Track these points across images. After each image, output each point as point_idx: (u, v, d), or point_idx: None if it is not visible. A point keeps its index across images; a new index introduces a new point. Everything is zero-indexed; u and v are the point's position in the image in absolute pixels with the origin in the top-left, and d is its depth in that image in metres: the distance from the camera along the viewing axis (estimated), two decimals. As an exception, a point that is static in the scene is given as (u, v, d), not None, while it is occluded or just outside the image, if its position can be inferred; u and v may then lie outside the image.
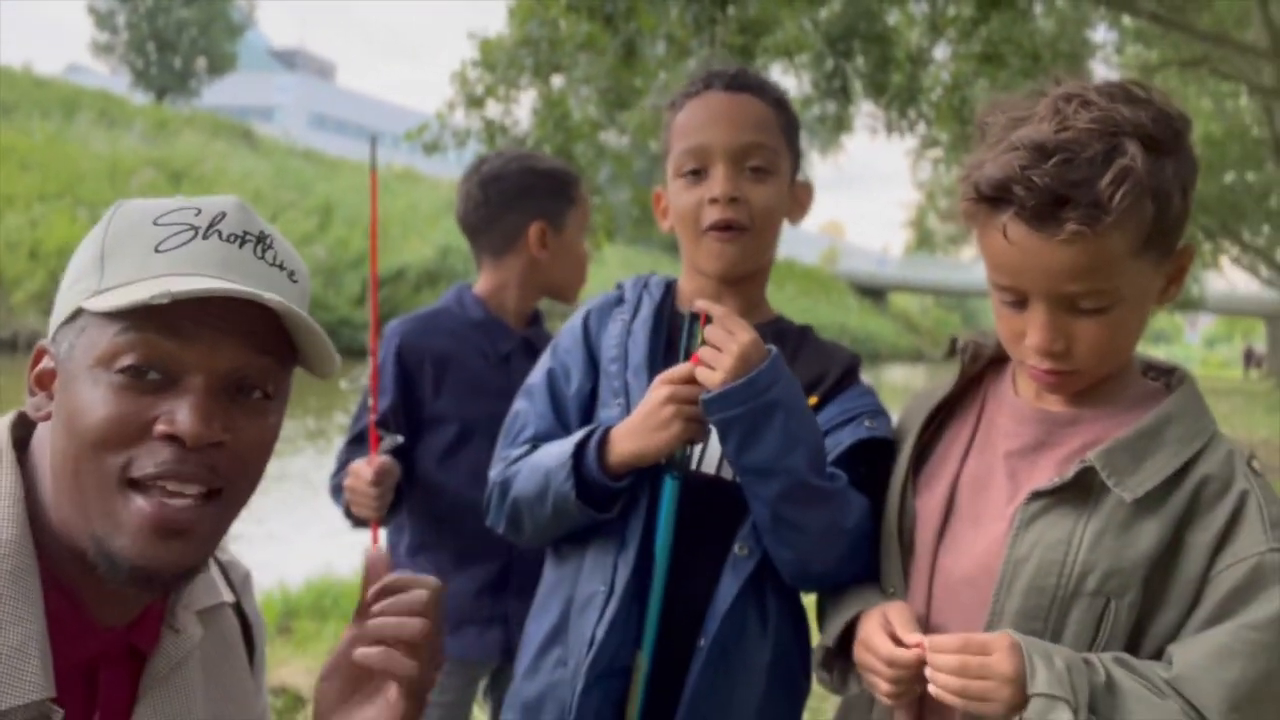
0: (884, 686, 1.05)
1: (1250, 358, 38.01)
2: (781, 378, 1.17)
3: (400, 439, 1.72)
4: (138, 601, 0.82)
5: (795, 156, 1.36)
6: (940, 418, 1.20)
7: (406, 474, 1.78)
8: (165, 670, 0.84)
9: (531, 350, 1.81)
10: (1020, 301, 1.02)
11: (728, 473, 1.25)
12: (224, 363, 0.77)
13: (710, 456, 1.27)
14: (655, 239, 12.83)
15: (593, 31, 8.26)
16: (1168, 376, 1.11)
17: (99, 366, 0.75)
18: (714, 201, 1.27)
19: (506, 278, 1.88)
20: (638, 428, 1.21)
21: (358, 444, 1.80)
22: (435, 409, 1.80)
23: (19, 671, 0.72)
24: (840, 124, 11.40)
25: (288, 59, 54.16)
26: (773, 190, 1.29)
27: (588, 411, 1.34)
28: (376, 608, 0.81)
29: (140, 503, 0.74)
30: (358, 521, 1.74)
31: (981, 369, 1.18)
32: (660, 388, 1.20)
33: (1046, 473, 1.06)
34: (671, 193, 1.34)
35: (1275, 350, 28.94)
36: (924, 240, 23.60)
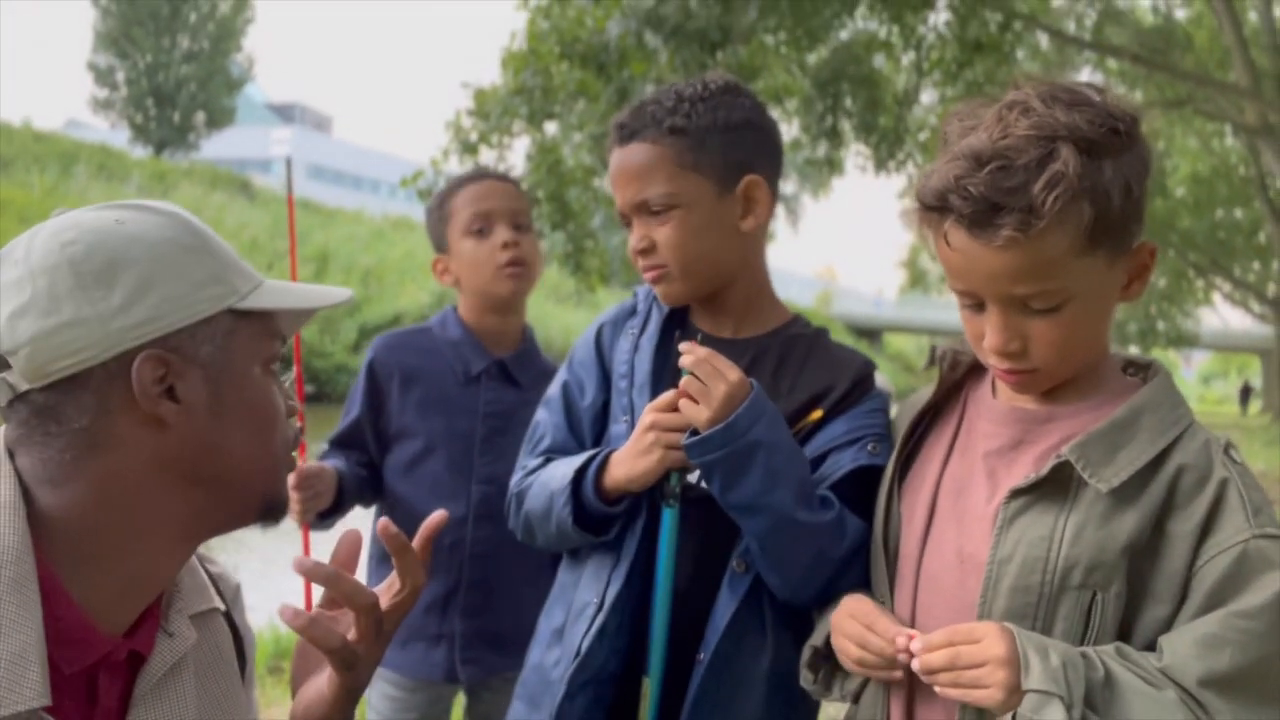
0: (854, 652, 1.09)
1: (1247, 395, 38.05)
2: (763, 416, 1.18)
3: (340, 463, 1.81)
4: (138, 604, 0.83)
5: (720, 168, 1.30)
6: (923, 425, 1.21)
7: (376, 485, 1.85)
8: (159, 674, 0.84)
9: (505, 374, 1.85)
10: (978, 305, 1.04)
11: None
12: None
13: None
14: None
15: (585, 79, 8.40)
16: (1145, 371, 1.12)
17: (263, 364, 0.88)
18: (632, 252, 1.35)
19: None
20: (627, 453, 1.24)
21: (335, 447, 1.87)
22: (400, 423, 1.84)
23: (18, 679, 0.72)
24: (832, 166, 11.54)
25: (286, 112, 54.89)
26: (680, 225, 1.29)
27: (601, 424, 1.37)
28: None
29: (291, 457, 0.93)
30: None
31: (962, 376, 1.20)
32: (646, 414, 1.23)
33: (1024, 470, 1.06)
34: None
35: (1271, 386, 29.05)
36: (917, 280, 23.78)
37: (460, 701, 1.96)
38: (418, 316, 19.48)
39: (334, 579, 0.87)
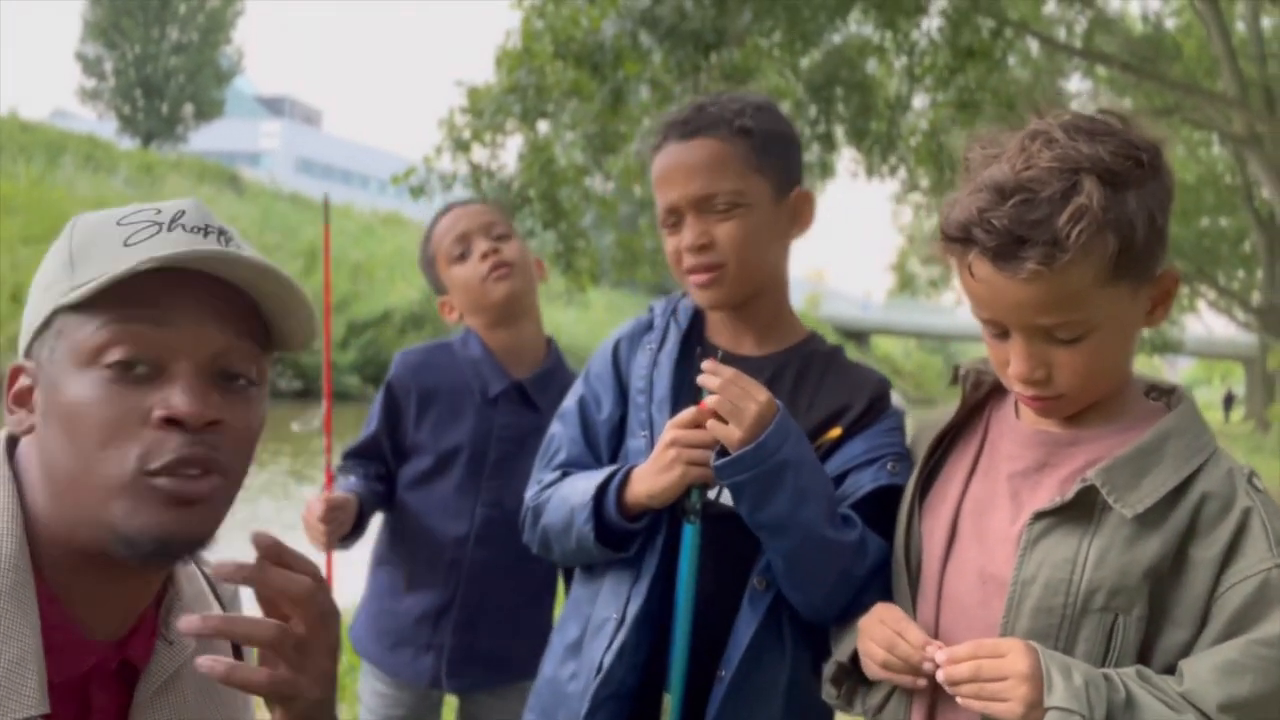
0: (880, 656, 1.09)
1: (1230, 402, 38.38)
2: (790, 435, 1.18)
3: (353, 479, 1.83)
4: (130, 613, 0.82)
5: (780, 173, 1.33)
6: (944, 445, 1.22)
7: (391, 497, 1.87)
8: (159, 681, 0.83)
9: (523, 396, 1.84)
10: (1003, 333, 1.05)
11: None
12: (208, 347, 0.78)
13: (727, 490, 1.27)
14: (640, 282, 12.90)
15: (579, 79, 8.39)
16: (1168, 396, 1.13)
17: (85, 365, 0.76)
18: (689, 249, 1.30)
19: None
20: (648, 470, 1.24)
21: (351, 459, 1.89)
22: (415, 439, 1.86)
23: (16, 688, 0.72)
24: (824, 170, 11.57)
25: (275, 105, 54.58)
26: (740, 224, 1.29)
27: (618, 439, 1.37)
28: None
29: (162, 482, 0.75)
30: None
31: (984, 396, 1.21)
32: (668, 431, 1.22)
33: (1048, 493, 1.07)
34: (662, 237, 1.38)
35: (1254, 393, 29.31)
36: (906, 284, 23.84)
37: (451, 704, 1.97)
38: (407, 313, 19.43)
39: (224, 629, 0.77)
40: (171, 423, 0.75)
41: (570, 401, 1.42)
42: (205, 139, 31.89)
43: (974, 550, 1.11)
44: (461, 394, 1.84)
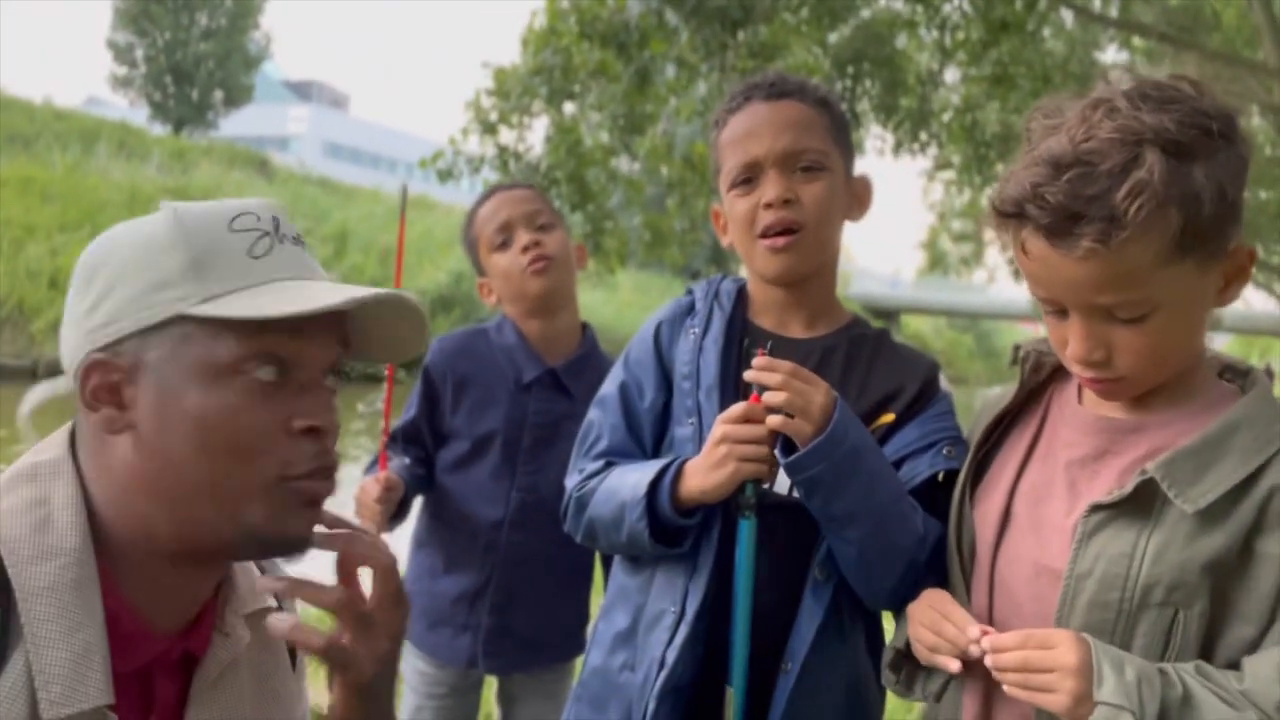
0: (928, 639, 1.07)
1: (1269, 378, 37.64)
2: (852, 422, 1.17)
3: (407, 461, 1.86)
4: (192, 606, 0.84)
5: (847, 155, 1.35)
6: (1001, 428, 1.17)
7: (432, 479, 1.90)
8: (215, 673, 0.85)
9: (557, 383, 1.86)
10: (1061, 311, 1.00)
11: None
12: (330, 357, 0.83)
13: (782, 479, 1.26)
14: (667, 263, 12.86)
15: (605, 59, 8.35)
16: (1243, 379, 1.07)
17: (223, 376, 0.78)
18: (768, 206, 1.27)
19: None
20: (700, 465, 1.22)
21: (393, 443, 1.92)
22: (452, 424, 1.89)
23: (82, 678, 0.73)
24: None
25: (303, 90, 54.84)
26: (825, 187, 1.28)
27: (662, 425, 1.35)
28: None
29: (301, 486, 0.80)
30: None
31: (1046, 379, 1.15)
32: (717, 427, 1.20)
33: (1107, 483, 1.03)
34: (727, 205, 1.34)
35: (1294, 369, 28.74)
36: (936, 262, 23.58)
37: (491, 683, 2.00)
38: (436, 296, 19.52)
39: (295, 590, 0.84)
40: (310, 432, 0.80)
41: (610, 387, 1.40)
42: (235, 124, 32.15)
43: (1028, 540, 1.07)
44: (496, 380, 1.86)
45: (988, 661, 0.99)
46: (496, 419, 1.84)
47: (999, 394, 1.20)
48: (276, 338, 0.78)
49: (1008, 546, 1.08)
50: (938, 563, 1.21)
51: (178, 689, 0.84)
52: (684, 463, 1.24)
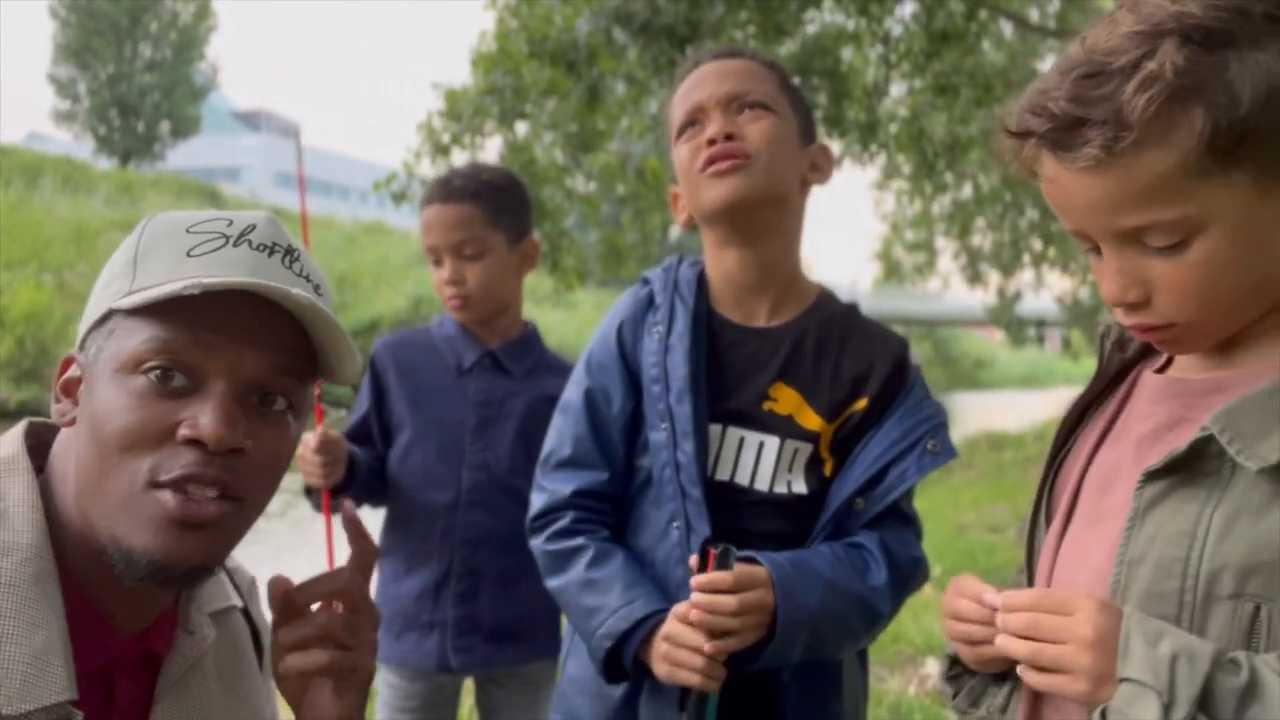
0: (954, 627, 0.91)
1: None
2: (792, 596, 1.14)
3: (344, 412, 1.88)
4: (154, 606, 0.83)
5: (804, 119, 1.32)
6: (1084, 417, 0.99)
7: (385, 480, 1.89)
8: (180, 671, 0.84)
9: (496, 364, 1.88)
10: (1096, 248, 0.84)
11: None
12: (249, 370, 0.78)
13: (763, 475, 1.26)
14: (626, 279, 12.89)
15: (555, 77, 8.38)
16: None
17: (125, 370, 0.76)
18: (711, 142, 1.23)
19: None
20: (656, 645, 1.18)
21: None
22: (397, 414, 1.90)
23: (44, 674, 0.72)
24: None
25: (252, 120, 54.27)
26: (773, 124, 1.25)
27: (633, 431, 1.30)
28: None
29: (166, 497, 0.75)
30: (316, 502, 1.79)
31: (1136, 358, 0.96)
32: (668, 620, 1.16)
33: None
34: (675, 159, 1.30)
35: None
36: (891, 271, 23.89)
37: (468, 695, 1.98)
38: (394, 322, 19.35)
39: (298, 596, 0.84)
40: (194, 443, 0.75)
41: (573, 394, 1.33)
42: (183, 156, 31.75)
43: (1089, 530, 0.88)
44: (437, 367, 1.89)
45: (999, 624, 0.83)
46: (439, 403, 1.85)
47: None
48: (184, 342, 0.76)
49: (1068, 546, 0.90)
50: (915, 577, 1.26)
51: (141, 688, 0.83)
52: (659, 624, 1.18)
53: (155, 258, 0.79)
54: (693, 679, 1.12)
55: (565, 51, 7.99)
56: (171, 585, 0.79)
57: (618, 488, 1.30)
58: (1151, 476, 0.81)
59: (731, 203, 1.23)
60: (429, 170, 9.41)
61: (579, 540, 1.26)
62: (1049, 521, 0.94)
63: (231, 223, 0.81)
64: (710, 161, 1.22)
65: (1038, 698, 0.90)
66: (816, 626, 1.16)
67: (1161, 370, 0.91)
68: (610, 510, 1.31)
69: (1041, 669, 0.79)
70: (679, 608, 1.15)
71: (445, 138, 9.37)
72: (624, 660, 1.20)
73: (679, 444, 1.22)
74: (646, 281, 1.35)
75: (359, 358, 0.85)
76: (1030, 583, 0.94)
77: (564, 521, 1.28)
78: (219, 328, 0.77)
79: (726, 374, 1.26)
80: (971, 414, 24.52)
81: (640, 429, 1.29)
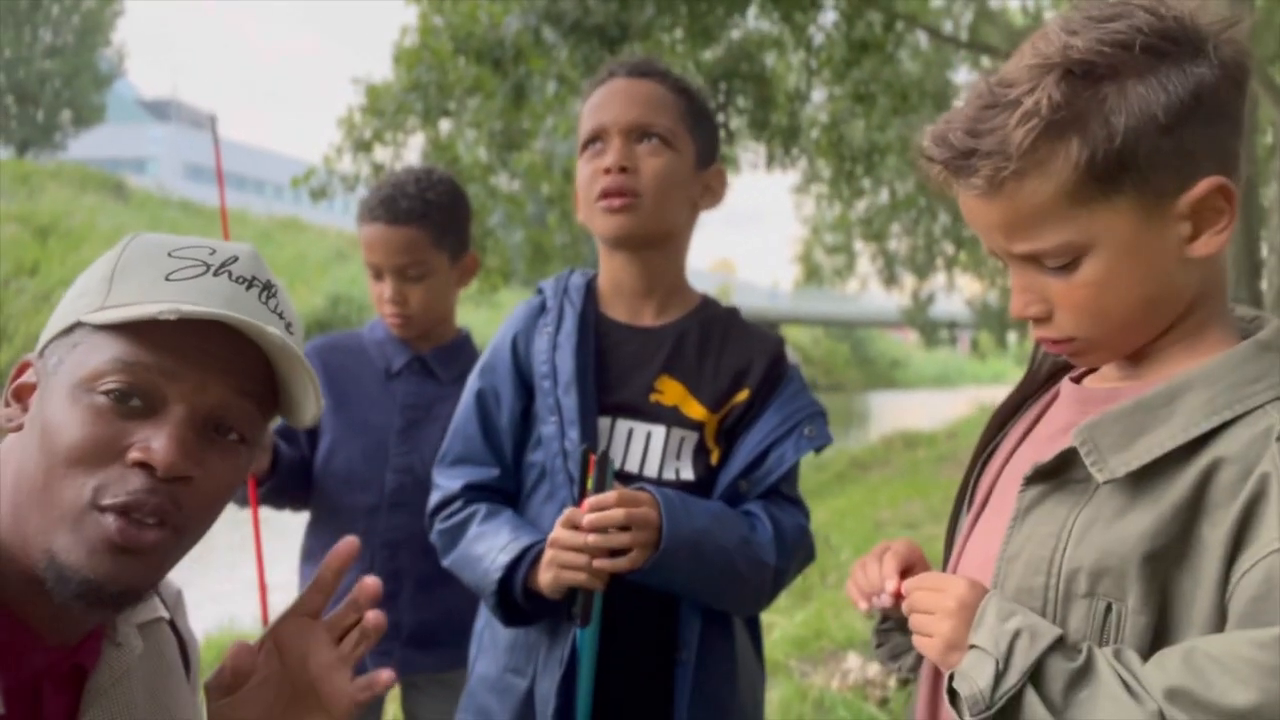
0: (851, 588, 1.00)
1: None
2: (679, 513, 1.21)
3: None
4: (84, 622, 0.80)
5: (704, 144, 1.38)
6: (1017, 412, 1.03)
7: (309, 479, 1.86)
8: (108, 684, 0.82)
9: (425, 368, 1.87)
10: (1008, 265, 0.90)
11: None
12: (208, 399, 0.77)
13: (651, 461, 1.31)
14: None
15: (481, 75, 8.31)
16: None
17: (83, 385, 0.75)
18: (607, 171, 1.30)
19: None
20: (541, 562, 1.23)
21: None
22: (324, 416, 1.87)
23: None
24: (727, 162, 11.71)
25: (160, 109, 52.29)
26: (667, 163, 1.32)
27: (523, 431, 1.36)
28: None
29: (108, 521, 0.73)
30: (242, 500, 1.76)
31: (1065, 366, 1.00)
32: (556, 529, 1.22)
33: None
34: (578, 167, 1.37)
35: None
36: (812, 274, 24.35)
37: (393, 705, 1.95)
38: (312, 321, 18.89)
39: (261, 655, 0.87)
40: (143, 466, 0.74)
41: (467, 394, 1.41)
42: (86, 146, 30.39)
43: (994, 524, 0.93)
44: (365, 370, 1.87)
45: (895, 594, 0.94)
46: (366, 405, 1.84)
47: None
48: (146, 362, 0.75)
49: (977, 535, 0.97)
50: (803, 544, 1.32)
51: (67, 702, 0.81)
52: (541, 551, 1.24)
53: (132, 277, 0.78)
54: (578, 577, 1.18)
55: (491, 49, 7.93)
56: (100, 607, 0.77)
57: (509, 484, 1.37)
58: (1030, 481, 0.87)
59: (619, 238, 1.34)
60: (349, 166, 9.23)
61: (470, 509, 1.34)
62: (970, 511, 1.00)
63: (215, 251, 0.81)
64: (604, 194, 1.31)
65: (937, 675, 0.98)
66: (701, 549, 1.21)
67: (1081, 378, 0.97)
68: (502, 503, 1.37)
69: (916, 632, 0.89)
70: (566, 514, 1.20)
71: (367, 133, 9.20)
72: (514, 591, 1.24)
73: (566, 432, 1.28)
74: (540, 291, 1.43)
75: (322, 402, 0.85)
76: (944, 566, 1.00)
77: (456, 508, 1.36)
78: (186, 354, 0.76)
79: (613, 369, 1.33)
80: (887, 413, 25.16)
81: (532, 428, 1.35)
